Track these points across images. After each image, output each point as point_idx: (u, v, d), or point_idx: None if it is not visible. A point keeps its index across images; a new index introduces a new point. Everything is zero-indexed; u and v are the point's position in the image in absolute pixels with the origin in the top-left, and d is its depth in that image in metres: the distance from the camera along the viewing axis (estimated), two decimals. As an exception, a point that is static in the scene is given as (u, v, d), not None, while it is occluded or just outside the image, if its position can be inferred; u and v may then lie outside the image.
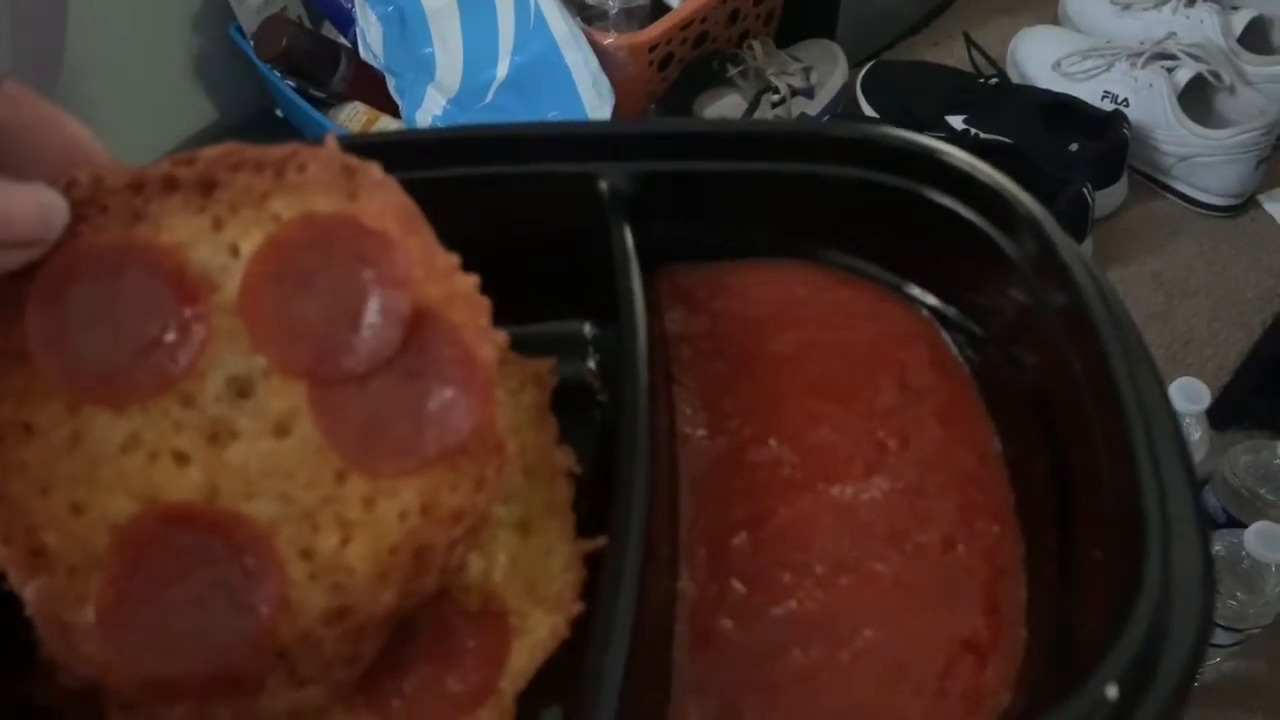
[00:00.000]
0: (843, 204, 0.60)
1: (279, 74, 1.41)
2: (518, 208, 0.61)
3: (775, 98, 1.43)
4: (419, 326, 0.43)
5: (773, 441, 0.56)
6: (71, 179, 0.42)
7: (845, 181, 0.58)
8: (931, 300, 0.60)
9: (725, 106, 1.41)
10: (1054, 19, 1.54)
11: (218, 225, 0.43)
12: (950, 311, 0.60)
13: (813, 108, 1.44)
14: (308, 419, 0.43)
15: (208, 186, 0.44)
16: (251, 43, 1.40)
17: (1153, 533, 0.42)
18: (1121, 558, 0.43)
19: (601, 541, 0.51)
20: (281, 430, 0.43)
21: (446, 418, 0.43)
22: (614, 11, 1.39)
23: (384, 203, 0.44)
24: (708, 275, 0.63)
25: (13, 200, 0.38)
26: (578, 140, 0.61)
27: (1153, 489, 0.43)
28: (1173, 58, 1.33)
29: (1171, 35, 1.36)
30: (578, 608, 0.51)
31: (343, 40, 1.46)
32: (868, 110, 1.45)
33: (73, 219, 0.41)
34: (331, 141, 0.45)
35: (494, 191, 0.60)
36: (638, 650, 0.44)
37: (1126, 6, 1.45)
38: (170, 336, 0.42)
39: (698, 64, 1.43)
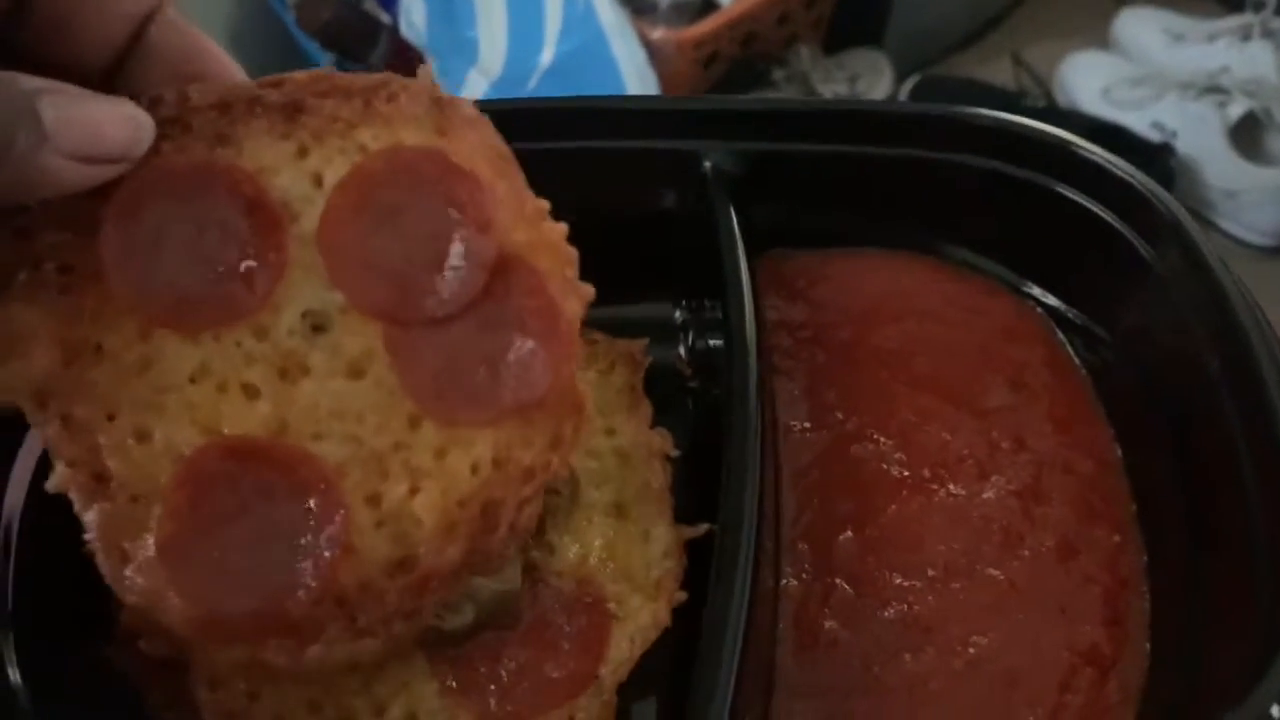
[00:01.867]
0: (964, 194, 0.58)
1: (318, 46, 1.38)
2: (612, 184, 0.59)
3: (819, 105, 1.42)
4: (503, 273, 0.42)
5: (879, 437, 0.54)
6: (157, 95, 0.40)
7: (970, 170, 0.56)
8: (1052, 300, 0.58)
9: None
10: (1104, 44, 1.53)
11: (302, 152, 0.42)
12: (1071, 312, 0.58)
13: (857, 118, 1.42)
14: (383, 361, 0.41)
15: (294, 111, 0.42)
16: (294, 14, 1.38)
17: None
18: (1271, 575, 0.42)
19: (703, 529, 0.50)
20: (355, 370, 0.41)
21: (525, 370, 0.41)
22: (664, 5, 1.38)
23: (475, 141, 0.43)
24: (808, 262, 0.61)
25: (102, 113, 0.37)
26: (683, 116, 0.59)
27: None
28: (1225, 92, 1.32)
29: (1225, 69, 1.35)
30: (681, 596, 0.49)
31: (385, 17, 1.43)
32: (911, 124, 1.44)
33: (157, 137, 0.39)
34: (425, 73, 0.43)
35: (587, 166, 0.58)
36: (747, 649, 0.42)
37: (1179, 37, 1.44)
38: (246, 265, 0.40)
39: (743, 64, 1.42)
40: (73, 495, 0.39)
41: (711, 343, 0.61)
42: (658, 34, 1.32)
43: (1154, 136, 1.36)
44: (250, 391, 0.40)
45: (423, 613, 0.40)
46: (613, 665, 0.47)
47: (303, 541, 0.39)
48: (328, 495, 0.39)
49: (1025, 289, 0.59)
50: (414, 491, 0.40)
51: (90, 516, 0.39)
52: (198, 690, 0.44)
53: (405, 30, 1.36)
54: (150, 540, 0.38)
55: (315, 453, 0.40)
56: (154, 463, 0.39)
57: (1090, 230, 0.54)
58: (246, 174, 0.41)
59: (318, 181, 0.41)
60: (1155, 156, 1.32)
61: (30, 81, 0.35)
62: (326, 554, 0.39)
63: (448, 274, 0.41)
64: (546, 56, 1.32)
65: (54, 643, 0.49)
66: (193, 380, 0.40)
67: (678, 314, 0.63)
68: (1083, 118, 1.40)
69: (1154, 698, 0.46)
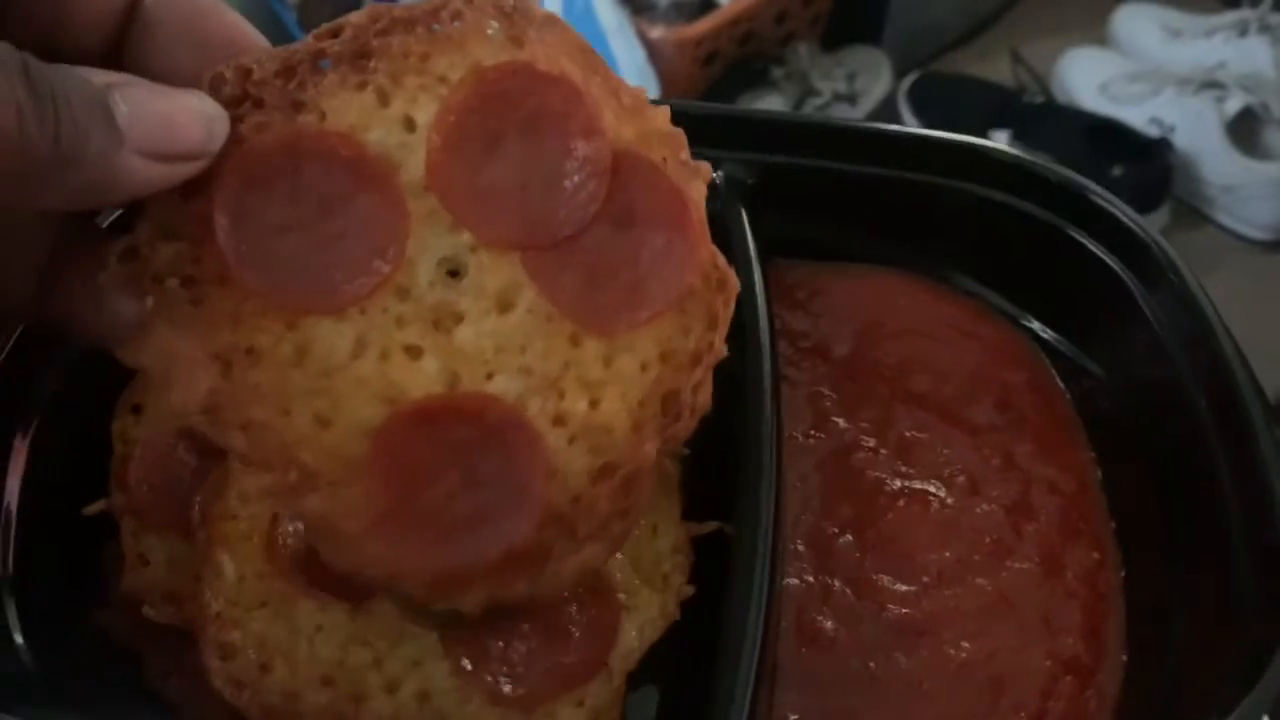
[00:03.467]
0: (976, 225, 0.60)
1: (321, 49, 1.39)
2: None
3: (818, 102, 1.44)
4: (620, 172, 0.41)
5: (877, 447, 0.56)
6: (217, 74, 0.38)
7: (980, 201, 0.58)
8: (1047, 334, 0.61)
9: (767, 107, 1.41)
10: (1102, 40, 1.54)
11: (383, 99, 0.40)
12: (1062, 344, 0.60)
13: (855, 114, 1.44)
14: (529, 289, 0.41)
15: (361, 58, 0.40)
16: (295, 14, 1.38)
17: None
18: (1258, 593, 0.44)
19: (710, 526, 0.51)
20: (505, 304, 0.41)
21: (666, 263, 0.41)
22: (662, 4, 1.38)
23: (555, 42, 0.41)
24: (809, 273, 0.63)
25: (176, 110, 0.36)
26: (697, 123, 0.60)
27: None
28: (1223, 87, 1.34)
29: (1222, 65, 1.36)
30: (688, 590, 0.50)
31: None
32: (910, 121, 1.45)
33: (229, 120, 0.38)
34: None
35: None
36: (765, 646, 0.44)
37: (1177, 33, 1.46)
38: (370, 229, 0.39)
39: (742, 63, 1.43)
40: (277, 498, 0.39)
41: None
42: (656, 33, 1.33)
43: (1152, 132, 1.37)
44: (413, 352, 0.40)
45: (634, 509, 0.41)
46: (622, 654, 0.48)
47: (509, 477, 0.39)
48: (518, 428, 0.40)
49: (1023, 321, 0.62)
50: (594, 403, 0.41)
51: (303, 513, 0.39)
52: (208, 659, 0.45)
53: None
54: (365, 518, 0.39)
55: (493, 392, 0.40)
56: (345, 445, 0.39)
57: (1092, 271, 0.56)
58: (338, 136, 0.39)
59: (410, 125, 0.40)
60: (1153, 152, 1.33)
61: (100, 75, 0.34)
62: (535, 482, 0.40)
63: (567, 188, 0.40)
64: (546, 54, 1.33)
65: (55, 608, 0.50)
66: (354, 356, 0.39)
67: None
68: (1081, 114, 1.42)
69: (1130, 706, 0.49)
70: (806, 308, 0.62)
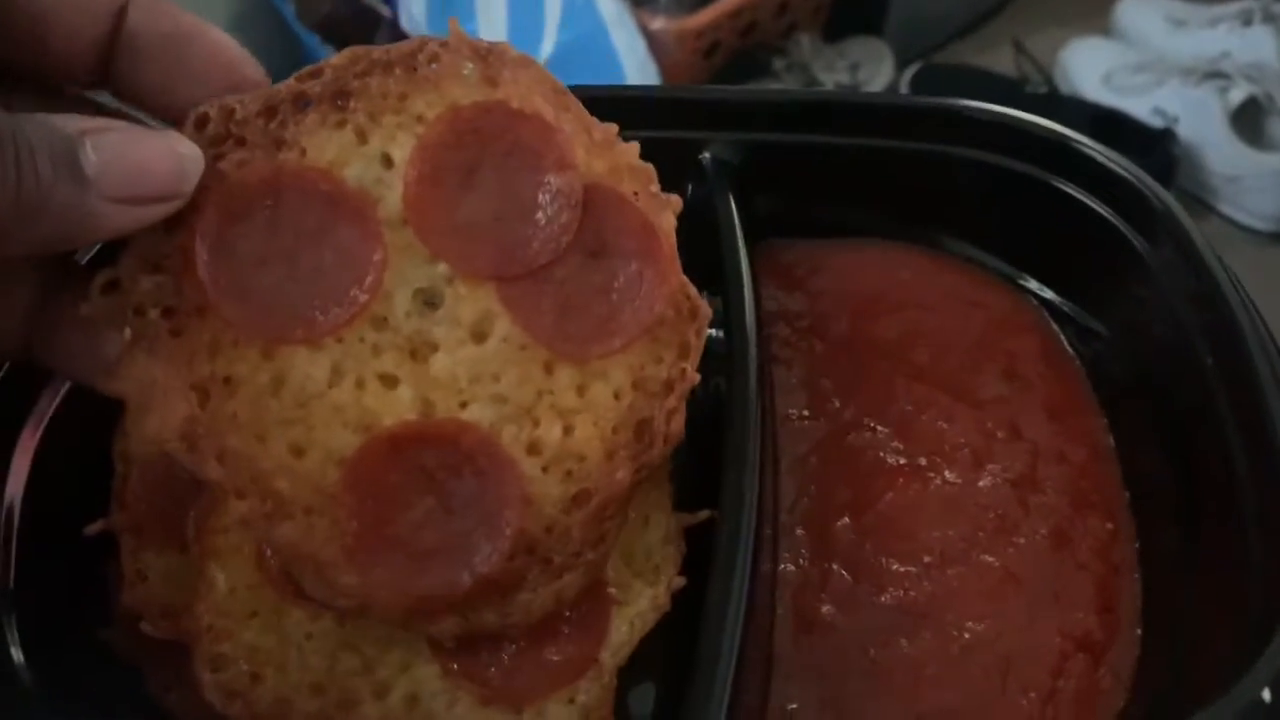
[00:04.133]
0: (962, 187, 0.58)
1: (318, 40, 1.39)
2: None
3: (820, 93, 1.42)
4: (591, 205, 0.43)
5: (876, 425, 0.55)
6: (201, 115, 0.40)
7: (968, 163, 0.56)
8: (1047, 293, 0.59)
9: (769, 98, 1.40)
10: (1105, 30, 1.53)
11: (362, 137, 0.42)
12: (1065, 305, 0.59)
13: (858, 106, 1.42)
14: (504, 318, 0.42)
15: (341, 97, 0.42)
16: (294, 7, 1.38)
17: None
18: (1265, 563, 0.42)
19: (703, 515, 0.50)
20: (480, 334, 0.42)
21: (637, 291, 0.43)
22: (665, -5, 1.38)
23: (528, 82, 0.43)
24: (807, 252, 0.62)
25: (148, 151, 0.36)
26: (683, 106, 0.59)
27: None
28: (1227, 77, 1.32)
29: (1226, 55, 1.35)
30: (679, 581, 0.49)
31: (384, 9, 1.44)
32: (913, 112, 1.44)
33: (212, 158, 0.39)
34: (455, 27, 0.43)
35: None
36: (747, 633, 0.42)
37: (1181, 23, 1.44)
38: (348, 261, 0.41)
39: (744, 54, 1.43)
40: (253, 524, 0.40)
41: (712, 331, 0.61)
42: (658, 24, 1.33)
43: (1156, 122, 1.36)
44: (388, 381, 0.41)
45: (608, 537, 0.43)
46: (613, 649, 0.47)
47: (482, 505, 0.41)
48: (492, 455, 0.41)
49: (1021, 281, 0.60)
50: (568, 430, 0.42)
51: (276, 541, 0.40)
52: (200, 672, 0.45)
53: (405, 23, 1.37)
54: (338, 546, 0.40)
55: (468, 420, 0.41)
56: (319, 473, 0.40)
57: (1086, 224, 0.55)
58: (318, 172, 0.41)
59: (388, 162, 0.42)
60: (1157, 143, 1.32)
61: (70, 122, 0.34)
62: (508, 511, 0.41)
63: (540, 220, 0.42)
64: (546, 48, 1.32)
65: (56, 625, 0.50)
66: (330, 385, 0.41)
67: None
68: (1084, 104, 1.40)
69: (1144, 683, 0.47)
70: (804, 287, 0.61)
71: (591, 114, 0.59)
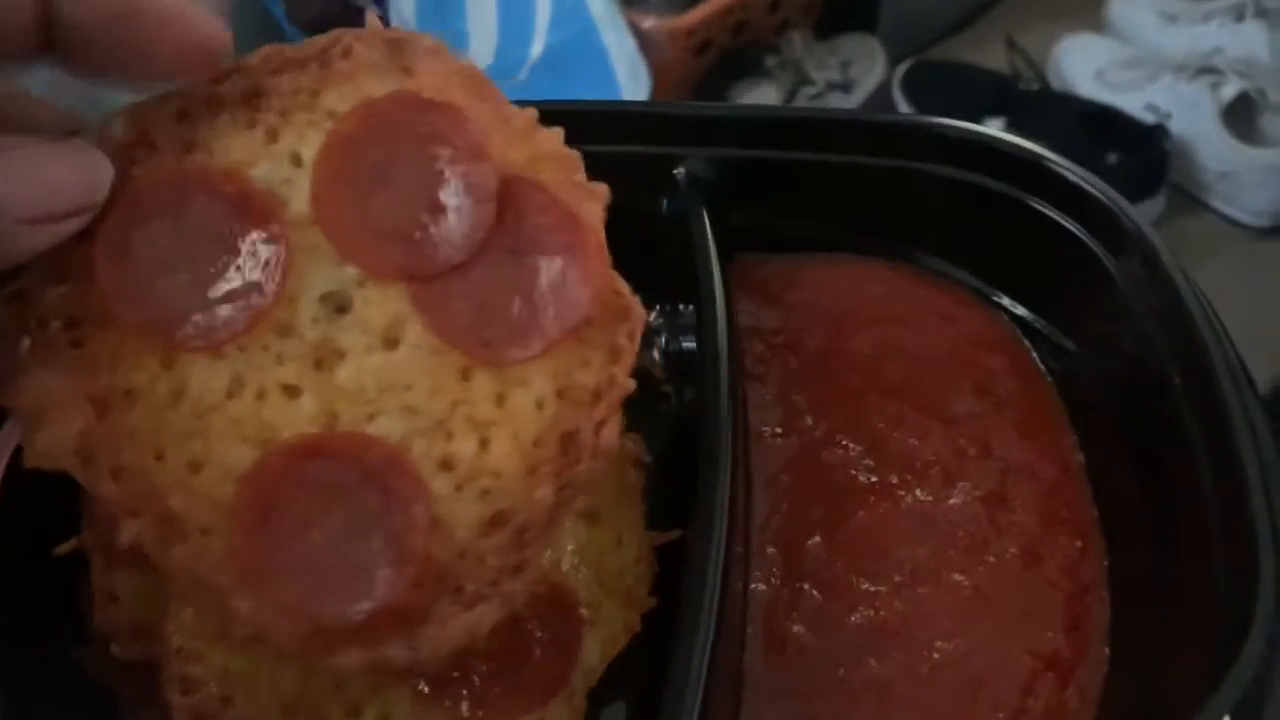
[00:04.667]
0: (936, 204, 0.58)
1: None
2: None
3: (812, 91, 1.42)
4: (510, 197, 0.40)
5: (848, 443, 0.55)
6: (108, 119, 0.39)
7: (943, 181, 0.57)
8: (1020, 310, 0.59)
9: (761, 97, 1.40)
10: (1098, 26, 1.52)
11: (272, 136, 0.40)
12: (1038, 322, 0.59)
13: (849, 103, 1.43)
14: (416, 322, 0.39)
15: (254, 97, 0.40)
16: (283, 6, 1.38)
17: (1265, 560, 0.41)
18: (1230, 586, 0.42)
19: (674, 534, 0.50)
20: (390, 340, 0.39)
21: (561, 290, 0.40)
22: (655, -6, 1.37)
23: (443, 71, 0.41)
24: (781, 267, 0.62)
25: (56, 168, 0.35)
26: (658, 121, 0.59)
27: (1265, 517, 0.42)
28: (1219, 73, 1.32)
29: (1218, 50, 1.34)
30: (650, 601, 0.49)
31: (374, 8, 1.43)
32: (905, 109, 1.43)
33: (122, 163, 0.38)
34: (372, 20, 0.42)
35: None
36: (717, 652, 0.42)
37: (1173, 18, 1.44)
38: (249, 265, 0.38)
39: (735, 53, 1.42)
40: (146, 544, 0.37)
41: (686, 346, 0.61)
42: (649, 23, 1.33)
43: (1148, 119, 1.35)
44: (291, 391, 0.39)
45: (529, 564, 0.38)
46: (584, 671, 0.47)
47: (387, 527, 0.37)
48: (399, 473, 0.38)
49: (994, 298, 0.60)
50: (484, 444, 0.39)
51: (168, 563, 0.37)
52: (170, 694, 0.45)
53: (395, 22, 1.36)
54: (233, 569, 0.37)
55: (374, 434, 0.38)
56: (215, 489, 0.38)
57: (1057, 241, 0.55)
58: (223, 173, 0.39)
59: (297, 161, 0.40)
60: (1149, 139, 1.32)
61: None
62: (414, 534, 0.37)
63: (454, 215, 0.39)
64: (536, 48, 1.32)
65: (27, 645, 0.49)
66: (229, 396, 0.38)
67: (652, 317, 0.63)
68: (1077, 101, 1.40)
69: (1112, 703, 0.47)
70: (780, 302, 0.61)
71: (567, 129, 0.59)
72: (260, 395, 0.39)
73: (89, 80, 0.39)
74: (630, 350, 0.41)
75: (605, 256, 0.41)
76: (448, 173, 0.40)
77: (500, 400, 0.39)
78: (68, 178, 0.35)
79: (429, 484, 0.38)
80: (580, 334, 0.40)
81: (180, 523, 0.37)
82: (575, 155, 0.42)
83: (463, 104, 0.40)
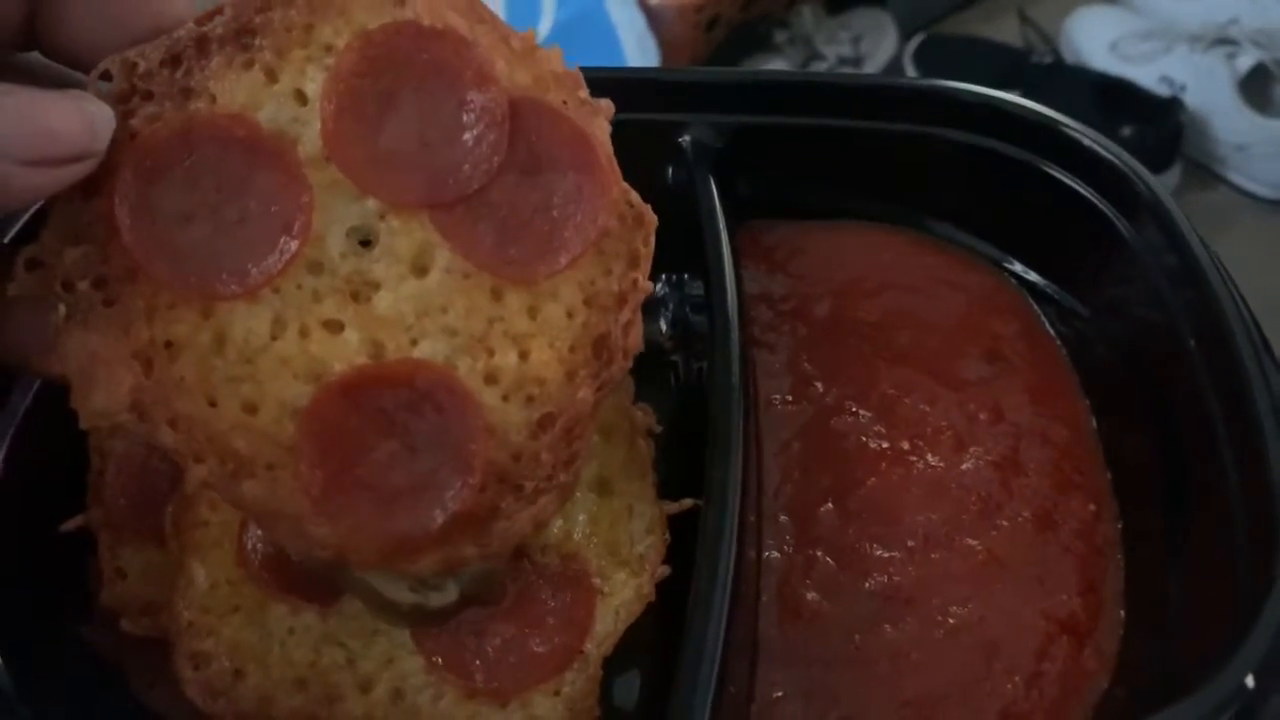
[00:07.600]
0: (947, 169, 0.58)
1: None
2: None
3: (822, 65, 1.42)
4: (519, 119, 0.41)
5: (859, 409, 0.54)
6: (102, 71, 0.38)
7: (954, 145, 0.56)
8: (1030, 275, 0.59)
9: (771, 73, 1.39)
10: (1111, -3, 1.50)
11: (272, 76, 0.40)
12: (1049, 287, 0.58)
13: (861, 78, 1.42)
14: (443, 248, 0.40)
15: (244, 35, 0.40)
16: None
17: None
18: (1250, 546, 0.42)
19: (686, 503, 0.50)
20: (420, 267, 0.41)
21: (577, 204, 0.41)
22: (663, -31, 1.36)
23: None
24: (789, 234, 0.62)
25: (55, 113, 0.35)
26: (664, 88, 0.59)
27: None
28: (1235, 43, 1.30)
29: (1234, 20, 1.33)
30: (663, 570, 0.49)
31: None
32: (917, 84, 1.43)
33: (121, 115, 0.38)
34: None
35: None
36: (732, 620, 0.42)
37: (1188, -12, 1.42)
38: (273, 208, 0.39)
39: (745, 27, 1.41)
40: (216, 487, 0.39)
41: (693, 316, 0.61)
42: (657, -1, 1.32)
43: (1163, 90, 1.34)
44: (333, 326, 0.40)
45: (578, 457, 0.41)
46: (598, 640, 0.48)
47: (445, 441, 0.39)
48: (450, 390, 0.40)
49: (1006, 264, 0.60)
50: (524, 355, 0.41)
51: (241, 501, 0.39)
52: (181, 669, 0.45)
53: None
54: (305, 498, 0.38)
55: (420, 358, 0.40)
56: (275, 427, 0.39)
57: (1070, 206, 0.54)
58: (231, 118, 0.39)
59: (301, 99, 0.40)
60: (1164, 110, 1.30)
61: None
62: (472, 444, 0.39)
63: (468, 141, 0.40)
64: (545, 25, 1.31)
65: (35, 623, 0.50)
66: (274, 337, 0.39)
67: (659, 288, 0.63)
68: (1090, 73, 1.38)
69: (1129, 664, 0.47)
70: (787, 269, 0.60)
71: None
72: (304, 333, 0.40)
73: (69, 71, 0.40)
74: (647, 255, 0.43)
75: (615, 169, 0.42)
76: (458, 100, 0.40)
77: (533, 313, 0.41)
78: (65, 121, 0.35)
79: (478, 397, 0.40)
80: (600, 245, 0.42)
81: (246, 461, 0.39)
82: (577, 72, 0.43)
83: (461, 29, 0.41)
